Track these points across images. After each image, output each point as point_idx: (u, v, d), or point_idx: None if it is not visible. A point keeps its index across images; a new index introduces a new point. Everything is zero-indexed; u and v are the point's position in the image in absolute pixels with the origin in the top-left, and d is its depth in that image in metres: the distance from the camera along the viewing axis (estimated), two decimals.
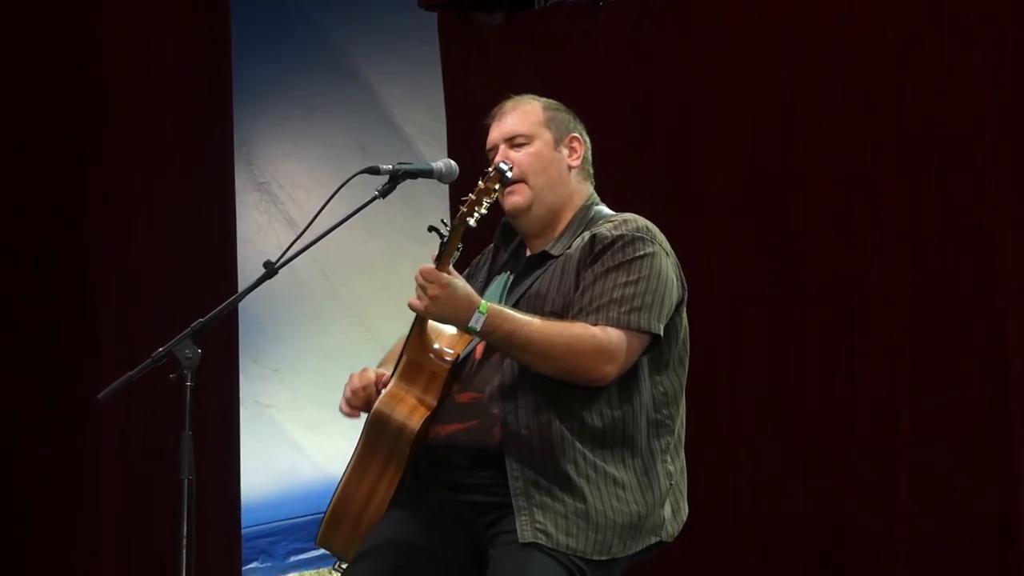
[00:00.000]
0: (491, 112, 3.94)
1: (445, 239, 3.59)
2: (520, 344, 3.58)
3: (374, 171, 3.76)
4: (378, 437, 3.70)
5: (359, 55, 7.45)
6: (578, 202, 3.87)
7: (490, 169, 3.63)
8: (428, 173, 3.80)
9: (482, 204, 3.59)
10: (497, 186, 3.62)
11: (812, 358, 5.59)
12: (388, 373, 3.80)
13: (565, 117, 3.92)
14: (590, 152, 3.95)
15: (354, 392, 3.79)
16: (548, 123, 3.87)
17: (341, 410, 3.82)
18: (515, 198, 3.82)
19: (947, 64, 5.39)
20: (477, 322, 3.56)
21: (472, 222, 3.60)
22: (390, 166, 3.76)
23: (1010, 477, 5.17)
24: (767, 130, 5.72)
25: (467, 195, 3.62)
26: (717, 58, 5.86)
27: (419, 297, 3.57)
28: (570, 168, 3.88)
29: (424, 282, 3.56)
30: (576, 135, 3.91)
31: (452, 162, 3.84)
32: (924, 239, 5.37)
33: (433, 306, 3.57)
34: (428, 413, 3.68)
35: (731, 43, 5.84)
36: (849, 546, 5.46)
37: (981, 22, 5.32)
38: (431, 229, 3.61)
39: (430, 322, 3.73)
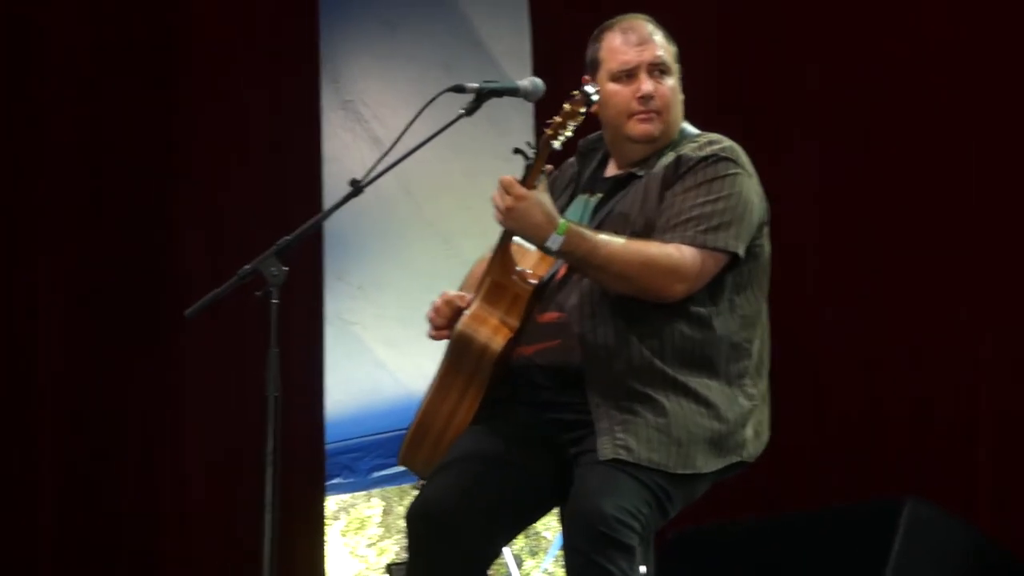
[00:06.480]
0: (614, 23, 3.79)
1: (530, 161, 3.56)
2: (597, 264, 3.57)
3: (459, 89, 3.73)
4: (461, 358, 3.70)
5: None
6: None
7: (575, 92, 3.59)
8: (514, 91, 3.77)
9: (567, 127, 3.56)
10: (583, 109, 3.57)
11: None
12: (468, 296, 3.78)
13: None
14: None
15: (437, 310, 3.79)
16: (676, 57, 3.80)
17: (429, 335, 3.81)
18: (650, 127, 3.73)
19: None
20: (555, 242, 3.56)
21: (557, 145, 3.58)
22: (475, 84, 3.73)
23: None
24: None
25: (551, 117, 3.58)
26: None
27: (496, 205, 3.57)
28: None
29: (503, 191, 3.56)
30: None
31: (538, 80, 3.80)
32: None
33: (508, 218, 3.58)
34: (511, 335, 3.67)
35: None
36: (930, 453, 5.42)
37: None
38: (516, 151, 3.58)
39: (513, 244, 3.71)
